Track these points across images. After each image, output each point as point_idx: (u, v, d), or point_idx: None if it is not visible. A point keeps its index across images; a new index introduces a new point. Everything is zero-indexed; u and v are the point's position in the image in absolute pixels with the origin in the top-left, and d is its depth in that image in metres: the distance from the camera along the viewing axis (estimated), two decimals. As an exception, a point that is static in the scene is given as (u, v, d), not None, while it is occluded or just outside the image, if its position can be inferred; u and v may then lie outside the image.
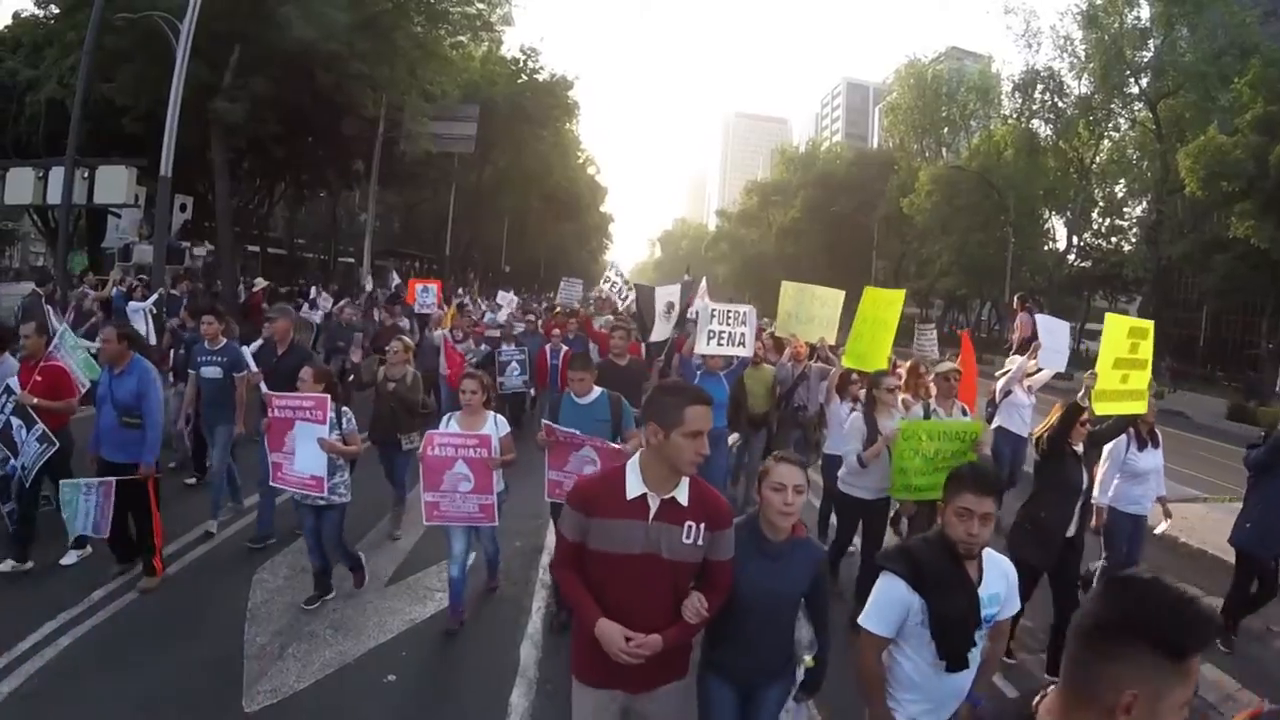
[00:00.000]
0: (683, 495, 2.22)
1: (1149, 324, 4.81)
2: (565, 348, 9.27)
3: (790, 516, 2.40)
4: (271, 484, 4.77)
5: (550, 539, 6.22)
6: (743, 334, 6.19)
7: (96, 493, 4.60)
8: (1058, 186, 34.85)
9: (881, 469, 4.76)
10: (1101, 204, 36.24)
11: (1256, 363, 29.25)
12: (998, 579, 2.37)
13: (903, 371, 6.24)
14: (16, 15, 21.62)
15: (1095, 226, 36.74)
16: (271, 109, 17.13)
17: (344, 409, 4.67)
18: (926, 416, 5.03)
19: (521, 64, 30.59)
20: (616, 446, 4.20)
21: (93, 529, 4.62)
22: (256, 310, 13.23)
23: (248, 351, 6.13)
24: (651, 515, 2.19)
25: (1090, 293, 37.61)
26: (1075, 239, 36.11)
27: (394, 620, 4.56)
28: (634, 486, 2.21)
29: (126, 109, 16.39)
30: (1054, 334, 6.90)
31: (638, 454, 2.29)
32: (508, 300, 15.01)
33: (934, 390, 5.52)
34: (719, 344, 6.12)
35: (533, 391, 10.59)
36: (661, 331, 8.10)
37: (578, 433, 4.23)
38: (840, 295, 7.12)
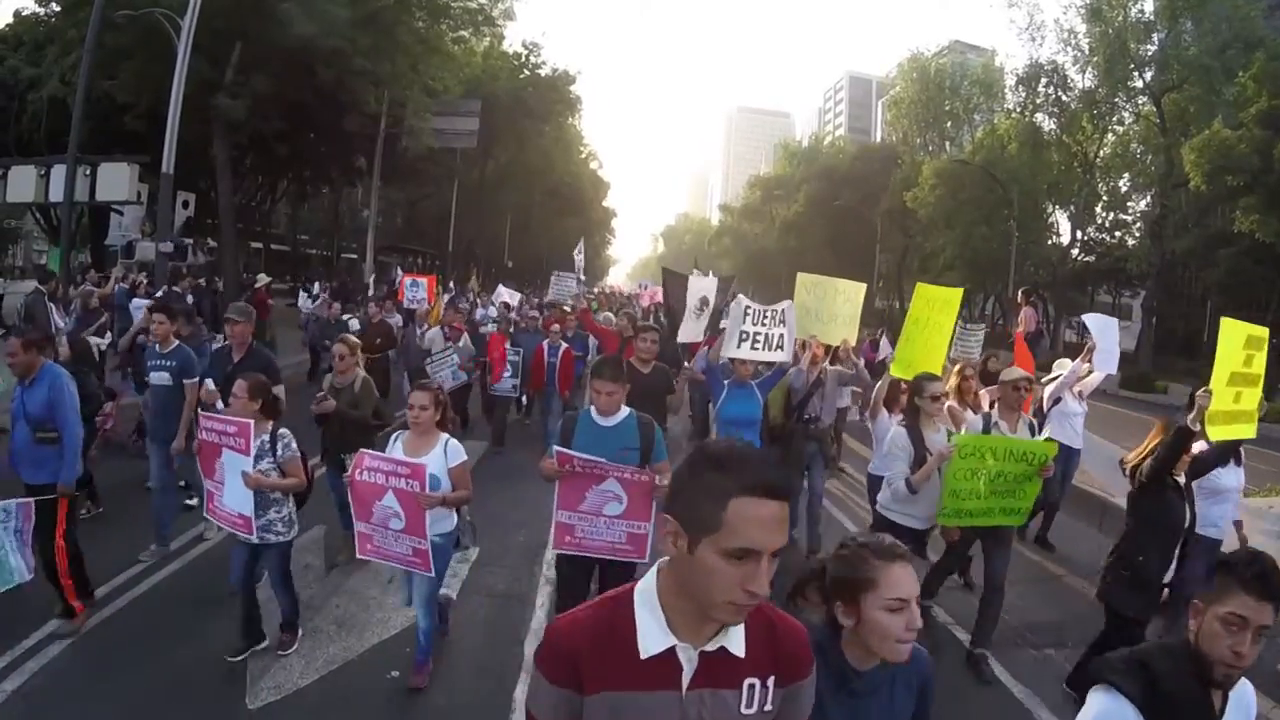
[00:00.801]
0: (736, 642, 1.29)
1: (1265, 332, 4.18)
2: (564, 345, 8.81)
3: (909, 644, 1.60)
4: (205, 516, 4.19)
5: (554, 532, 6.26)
6: (780, 336, 5.43)
7: (16, 517, 3.84)
8: (1061, 180, 34.69)
9: (934, 493, 4.09)
10: (1105, 198, 36.06)
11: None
12: (1240, 716, 1.76)
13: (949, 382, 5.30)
14: (17, 13, 21.65)
15: (1099, 221, 36.57)
16: (273, 105, 17.15)
17: (281, 432, 3.93)
18: (986, 431, 4.37)
19: (523, 59, 30.60)
20: (648, 480, 3.34)
21: (25, 569, 3.84)
22: (261, 307, 13.25)
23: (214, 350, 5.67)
24: (687, 682, 1.27)
25: (1094, 287, 37.48)
26: (1079, 233, 35.98)
27: (397, 616, 4.54)
28: (652, 636, 1.27)
29: (128, 106, 16.42)
30: (1105, 333, 6.42)
31: (654, 573, 1.33)
32: (509, 296, 14.31)
33: (983, 399, 5.06)
34: (752, 347, 5.34)
35: (524, 398, 10.11)
36: (692, 331, 7.10)
37: (603, 461, 3.32)
38: (863, 289, 6.34)
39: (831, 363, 6.26)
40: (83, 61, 13.31)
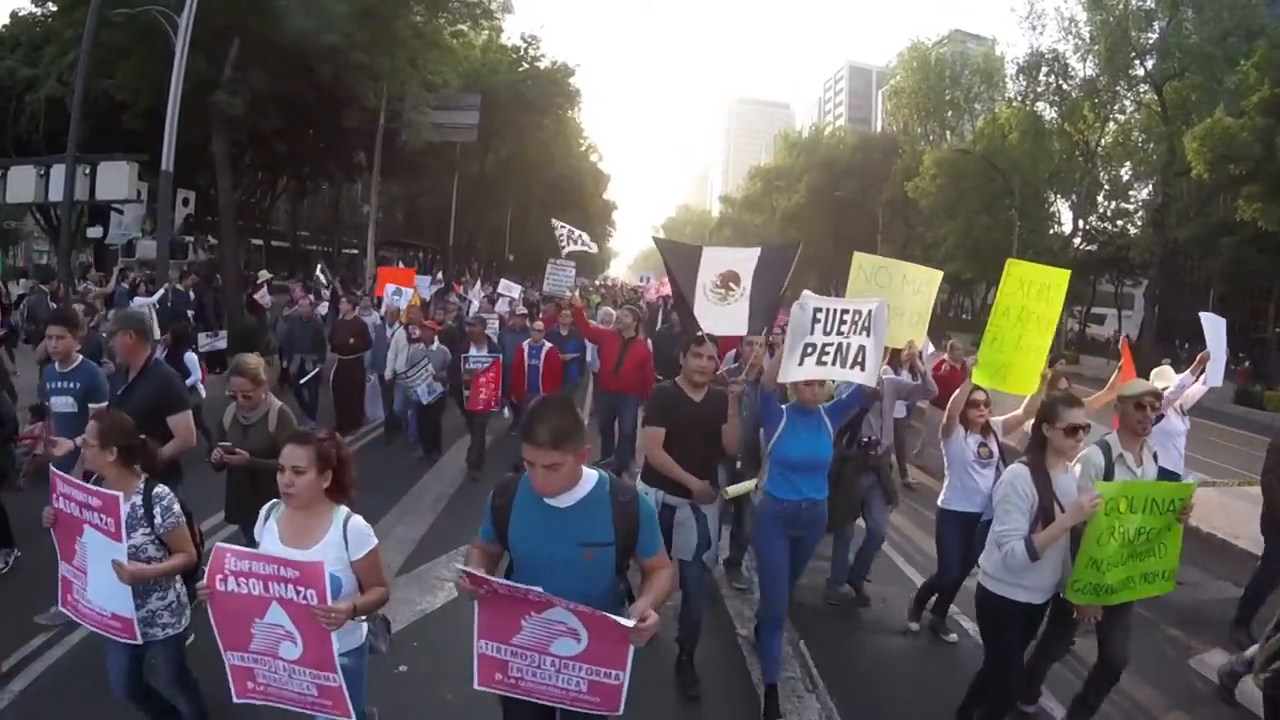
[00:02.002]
0: None
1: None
2: (548, 345, 7.66)
3: None
4: (59, 608, 3.00)
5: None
6: (861, 349, 3.65)
7: None
8: (1063, 169, 34.63)
9: (1057, 556, 3.08)
10: (1107, 187, 35.99)
11: (1264, 345, 29.15)
12: None
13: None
14: (14, 14, 21.58)
15: (1101, 210, 36.50)
16: (272, 102, 17.11)
17: (157, 492, 2.85)
18: (1110, 467, 3.41)
19: (522, 52, 30.47)
20: (620, 621, 2.02)
21: None
22: (260, 306, 13.28)
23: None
24: None
25: (1096, 276, 37.43)
26: (1081, 222, 35.92)
27: (404, 610, 4.56)
28: None
29: (126, 105, 16.38)
30: (1218, 337, 5.52)
31: None
32: (507, 289, 13.53)
33: (993, 422, 4.36)
34: (819, 362, 3.59)
35: (506, 412, 8.88)
36: (725, 320, 4.44)
37: (538, 592, 2.05)
38: (938, 278, 5.02)
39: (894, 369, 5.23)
40: (80, 61, 13.26)
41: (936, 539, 4.61)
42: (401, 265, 21.84)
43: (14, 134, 20.00)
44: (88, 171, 14.11)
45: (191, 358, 7.40)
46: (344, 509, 2.54)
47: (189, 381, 6.76)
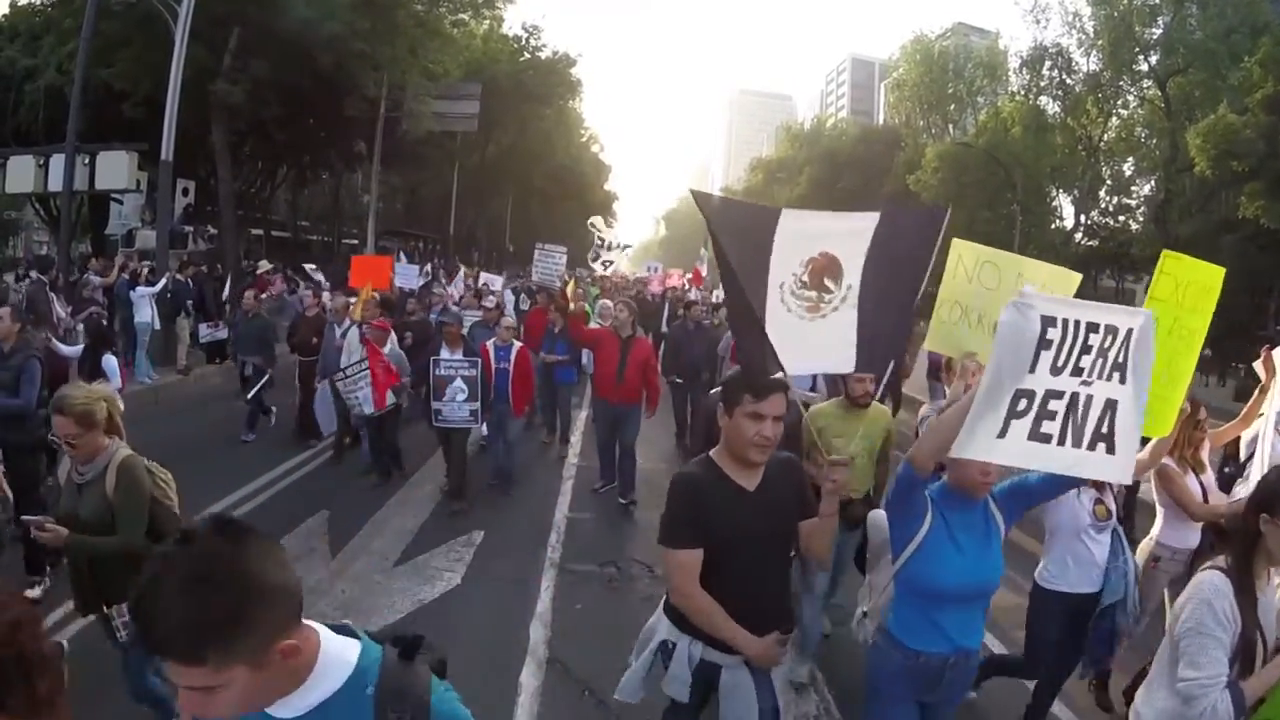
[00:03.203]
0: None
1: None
2: (518, 344, 6.68)
3: None
4: None
5: (559, 515, 6.36)
6: (1111, 411, 2.05)
7: None
8: (1065, 164, 34.56)
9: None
10: (1109, 182, 35.94)
11: (1269, 343, 29.15)
12: None
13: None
14: (13, 4, 21.53)
15: (1103, 205, 36.45)
16: (272, 90, 17.09)
17: None
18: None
19: (524, 42, 30.43)
20: None
21: None
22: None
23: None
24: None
25: (1097, 271, 37.40)
26: (1083, 217, 35.87)
27: (403, 600, 4.62)
28: None
29: (126, 94, 16.34)
30: None
31: None
32: (489, 279, 12.82)
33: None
34: (1038, 435, 1.97)
35: (484, 429, 7.06)
36: (803, 346, 2.43)
37: None
38: (1074, 281, 3.67)
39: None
40: (80, 50, 13.24)
41: (1028, 623, 3.43)
42: (404, 256, 21.37)
43: (13, 124, 19.94)
44: (87, 161, 14.11)
45: (111, 361, 6.30)
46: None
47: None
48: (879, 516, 2.56)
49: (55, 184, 14.22)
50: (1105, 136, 34.02)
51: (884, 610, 2.45)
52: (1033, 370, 1.88)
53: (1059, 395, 1.92)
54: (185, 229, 19.96)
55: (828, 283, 2.46)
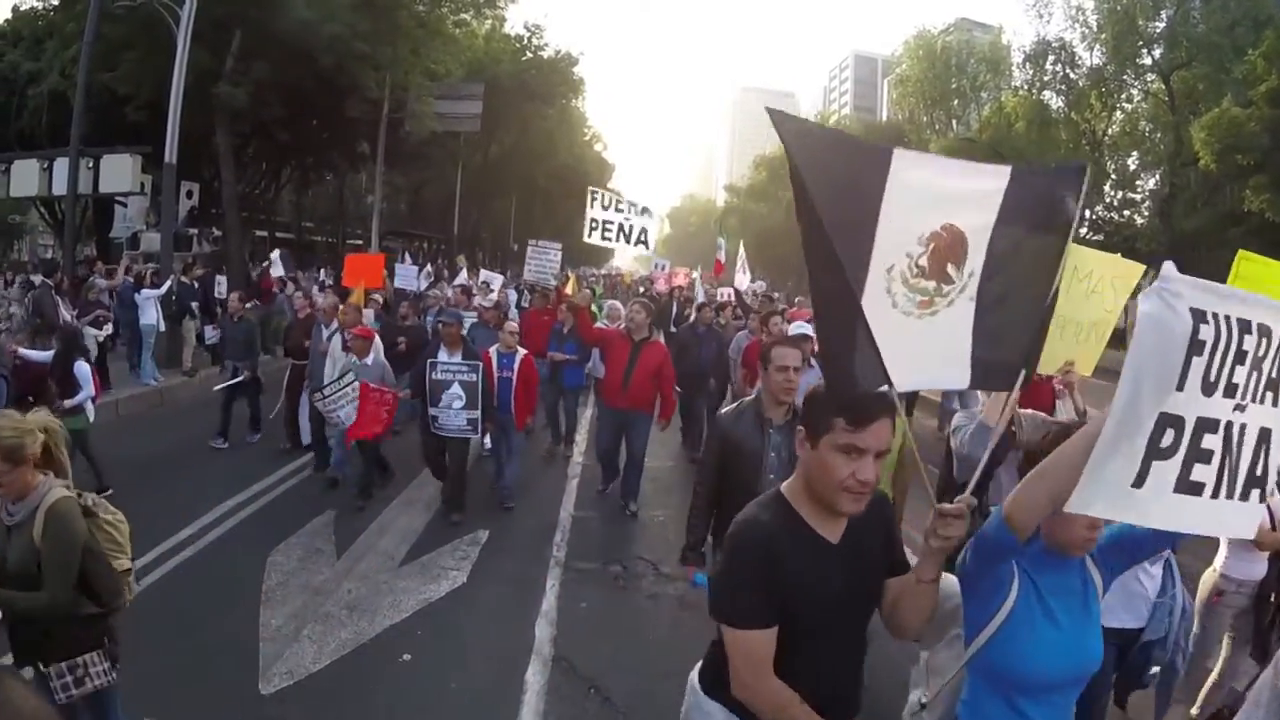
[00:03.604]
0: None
1: None
2: (523, 351, 6.28)
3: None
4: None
5: (564, 514, 6.36)
6: (1265, 441, 1.55)
7: None
8: (1069, 158, 34.44)
9: None
10: (1114, 176, 35.78)
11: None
12: None
13: None
14: (16, 9, 21.63)
15: (1107, 199, 36.33)
16: (275, 92, 17.13)
17: None
18: None
19: (526, 41, 30.40)
20: None
21: None
22: (268, 294, 13.36)
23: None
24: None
25: (1102, 267, 37.35)
26: (1088, 212, 35.75)
27: (408, 599, 4.64)
28: None
29: (129, 98, 16.40)
30: None
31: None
32: (488, 276, 12.55)
33: None
34: (1187, 484, 1.46)
35: (487, 440, 6.76)
36: (915, 349, 1.76)
37: None
38: (1136, 273, 3.24)
39: (1022, 404, 3.03)
40: (82, 54, 13.27)
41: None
42: (408, 256, 21.23)
43: (17, 128, 20.02)
44: (91, 165, 14.14)
45: (84, 369, 5.96)
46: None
47: (78, 398, 5.73)
48: (949, 582, 1.87)
49: (60, 187, 14.28)
50: (1109, 131, 33.90)
51: (950, 702, 1.89)
52: (1181, 387, 1.38)
53: (1213, 426, 1.42)
54: (190, 231, 20.05)
55: (950, 270, 1.77)
